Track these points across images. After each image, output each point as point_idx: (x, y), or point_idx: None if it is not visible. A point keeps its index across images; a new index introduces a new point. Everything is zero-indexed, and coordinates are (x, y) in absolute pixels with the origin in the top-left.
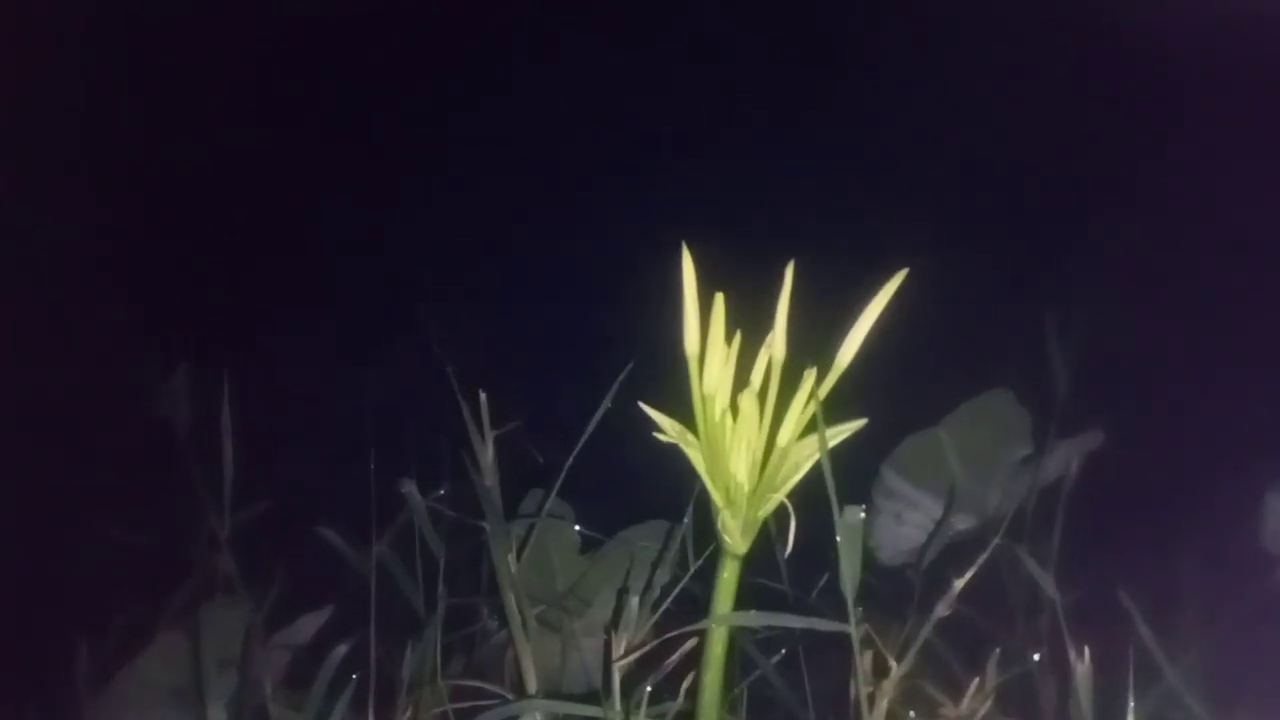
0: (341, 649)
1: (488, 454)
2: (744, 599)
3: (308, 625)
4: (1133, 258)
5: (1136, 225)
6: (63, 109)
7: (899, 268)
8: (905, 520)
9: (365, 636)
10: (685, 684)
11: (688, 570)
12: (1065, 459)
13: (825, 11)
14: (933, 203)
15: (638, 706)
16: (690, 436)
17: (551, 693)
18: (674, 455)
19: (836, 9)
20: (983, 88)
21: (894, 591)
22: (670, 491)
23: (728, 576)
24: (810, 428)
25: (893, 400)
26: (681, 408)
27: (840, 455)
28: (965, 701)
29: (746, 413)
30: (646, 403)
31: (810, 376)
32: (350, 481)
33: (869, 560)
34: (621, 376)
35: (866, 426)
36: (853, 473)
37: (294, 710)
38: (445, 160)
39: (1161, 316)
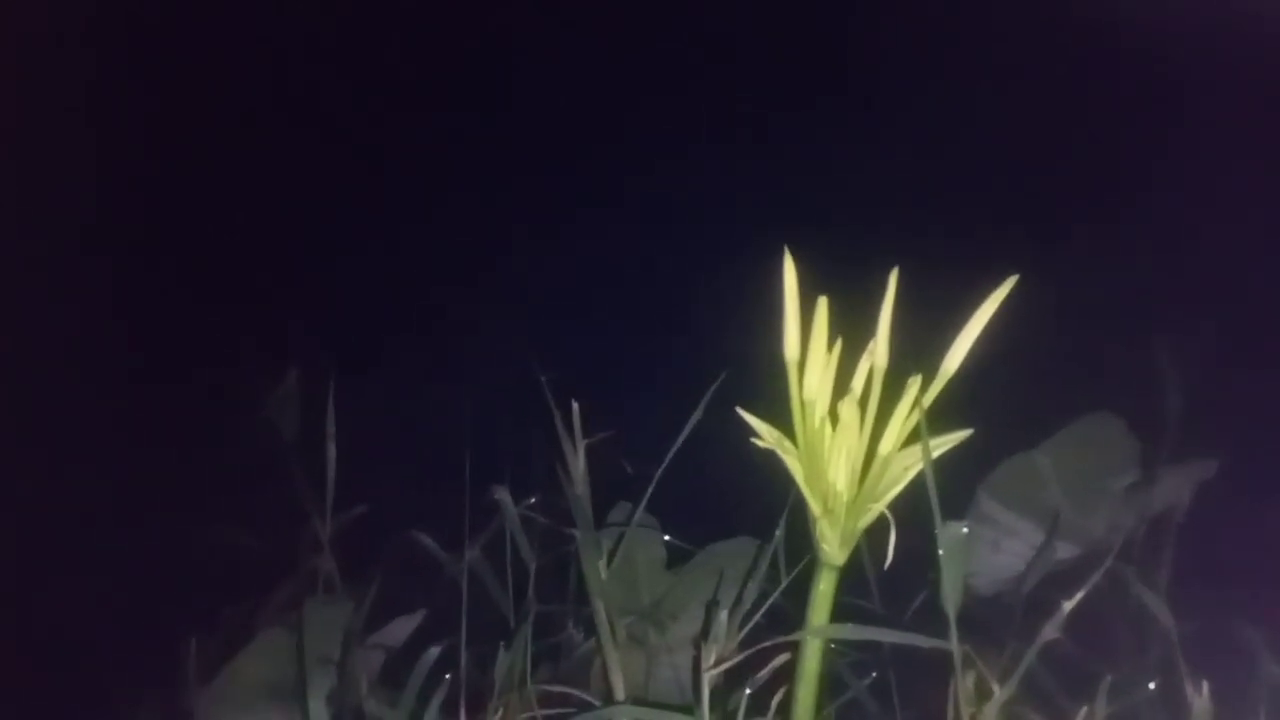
0: (434, 651)
1: (579, 463)
2: (836, 616)
3: (403, 627)
4: (1246, 277)
5: (1248, 248)
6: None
7: (1004, 277)
8: (1003, 548)
9: (457, 639)
10: (776, 699)
11: (778, 584)
12: (1176, 488)
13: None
14: (1035, 214)
15: (731, 715)
16: (788, 444)
17: (638, 701)
18: (764, 469)
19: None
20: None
21: (992, 620)
22: (759, 506)
23: (824, 588)
24: (912, 438)
25: (990, 420)
26: (776, 420)
27: (935, 477)
28: None
29: (847, 420)
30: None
31: (914, 384)
32: (446, 488)
33: (965, 587)
34: (714, 387)
35: (962, 448)
36: (947, 496)
37: (389, 708)
38: (535, 177)
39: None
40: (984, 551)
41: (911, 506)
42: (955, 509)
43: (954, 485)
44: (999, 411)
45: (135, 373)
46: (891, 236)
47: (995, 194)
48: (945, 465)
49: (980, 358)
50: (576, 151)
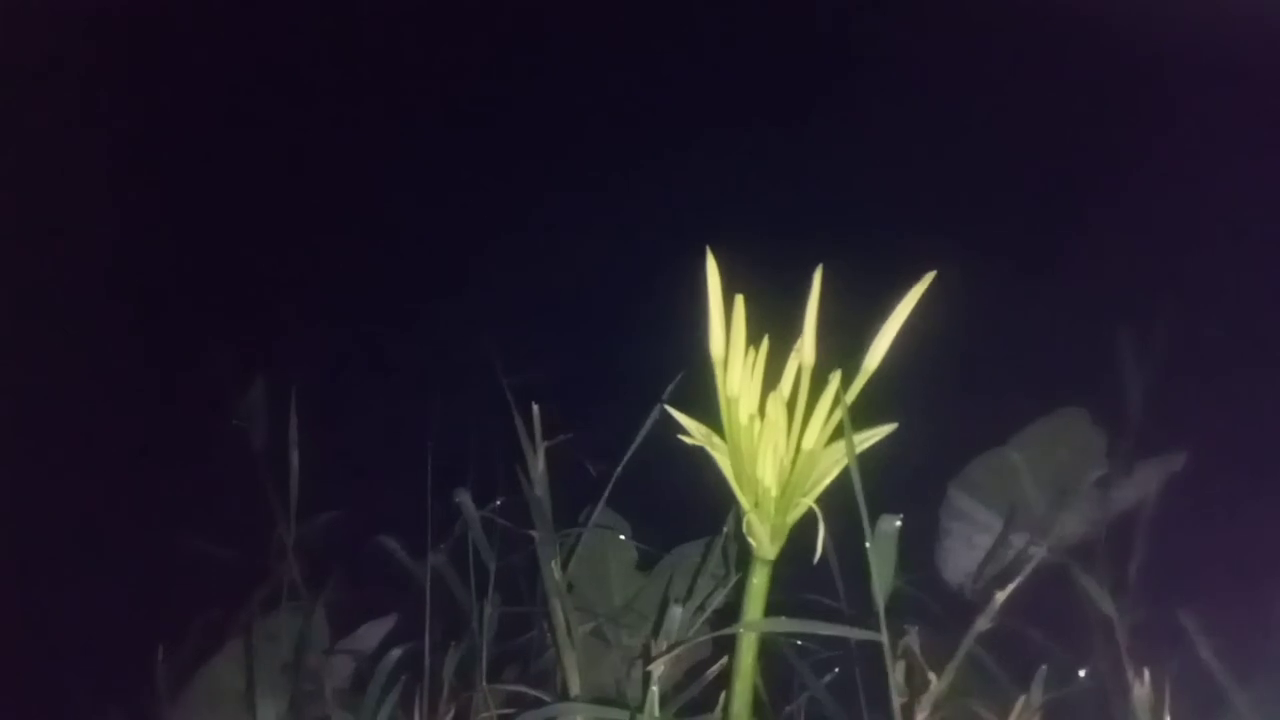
0: (395, 653)
1: (539, 465)
2: (797, 613)
3: (373, 633)
4: (1210, 267)
5: (1211, 233)
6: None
7: (948, 276)
8: (976, 544)
9: (423, 641)
10: (724, 695)
11: (729, 581)
12: (1146, 481)
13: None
14: (989, 211)
15: (679, 712)
16: (716, 440)
17: (597, 700)
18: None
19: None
20: (1001, 88)
21: (960, 616)
22: (730, 504)
23: (757, 582)
24: (839, 434)
25: (957, 417)
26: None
27: (906, 474)
28: (1012, 718)
29: (773, 417)
30: (698, 413)
31: (835, 380)
32: (413, 493)
33: (933, 582)
34: (670, 387)
35: (932, 445)
36: (920, 493)
37: (350, 713)
38: (495, 186)
39: (1243, 327)
40: (956, 546)
41: (877, 501)
42: (931, 506)
43: (928, 482)
44: (968, 408)
45: (102, 384)
46: (828, 235)
47: (954, 189)
48: (914, 465)
49: (946, 355)
50: (535, 161)
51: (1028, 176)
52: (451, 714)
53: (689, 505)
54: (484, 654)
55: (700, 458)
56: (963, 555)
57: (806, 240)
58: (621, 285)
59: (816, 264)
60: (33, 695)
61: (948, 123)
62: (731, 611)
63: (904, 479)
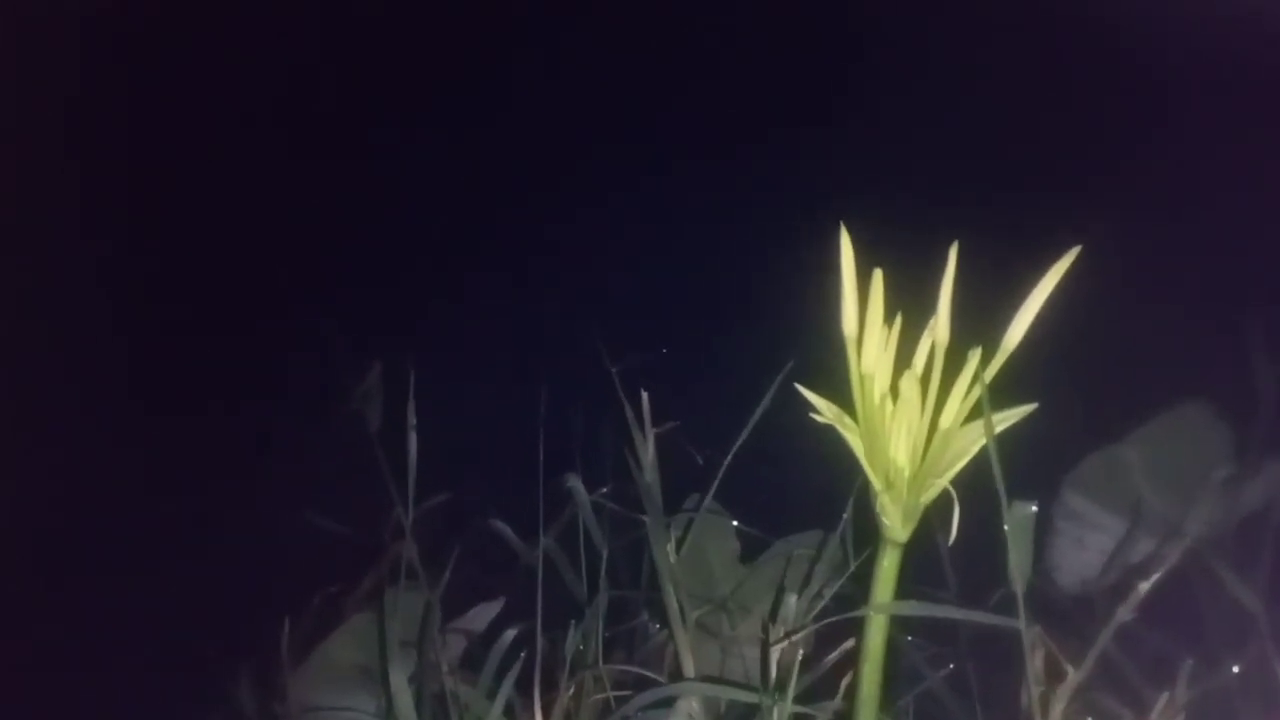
0: (510, 633)
1: (649, 451)
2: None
3: (483, 614)
4: None
5: None
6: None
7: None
8: (1088, 545)
9: (534, 624)
10: (845, 681)
11: (847, 569)
12: (1276, 481)
13: None
14: (1111, 189)
15: (799, 696)
16: (848, 419)
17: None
18: (836, 457)
19: None
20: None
21: (1074, 615)
22: (833, 495)
23: (888, 565)
24: (975, 414)
25: (1074, 410)
26: (843, 401)
27: (1017, 469)
28: (1154, 716)
29: (907, 395)
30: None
31: (975, 358)
32: (522, 477)
33: (1047, 583)
34: (780, 377)
35: (1045, 440)
36: (1031, 488)
37: (469, 687)
38: (602, 164)
39: None
40: (1067, 547)
41: (992, 502)
42: (1042, 503)
43: (1039, 478)
44: (1083, 402)
45: (230, 371)
46: (961, 211)
47: (1071, 165)
48: (1027, 459)
49: (1064, 342)
50: (644, 146)
51: (1168, 156)
52: (572, 692)
53: (787, 499)
54: (599, 635)
55: (797, 452)
56: (1074, 556)
57: (930, 217)
58: (726, 274)
59: (945, 241)
60: (167, 665)
61: (1087, 97)
62: (844, 603)
63: (1018, 471)
